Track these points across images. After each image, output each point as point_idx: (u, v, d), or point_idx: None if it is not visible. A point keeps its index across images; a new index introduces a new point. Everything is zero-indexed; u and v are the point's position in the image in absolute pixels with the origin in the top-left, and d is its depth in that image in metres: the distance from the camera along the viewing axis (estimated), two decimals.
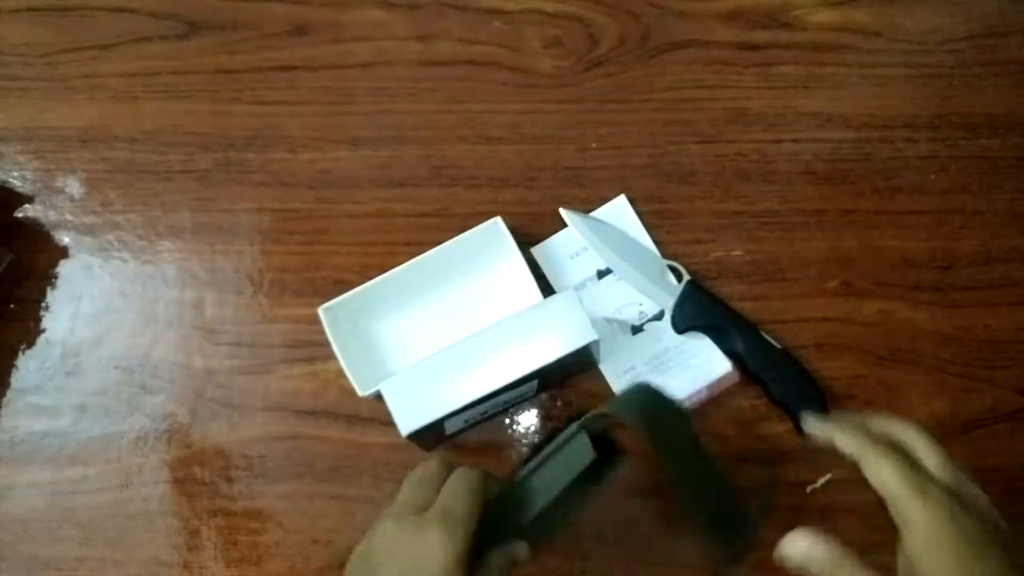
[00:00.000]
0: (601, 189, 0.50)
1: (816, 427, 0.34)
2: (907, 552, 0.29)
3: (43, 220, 0.48)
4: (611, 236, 0.48)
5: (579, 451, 0.36)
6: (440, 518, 0.31)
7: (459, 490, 0.33)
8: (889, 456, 0.31)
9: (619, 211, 0.49)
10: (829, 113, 0.52)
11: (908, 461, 0.31)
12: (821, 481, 0.45)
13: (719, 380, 0.46)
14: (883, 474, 0.30)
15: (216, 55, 0.50)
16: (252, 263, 0.48)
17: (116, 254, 0.48)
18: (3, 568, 0.44)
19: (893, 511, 0.30)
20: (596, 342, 0.41)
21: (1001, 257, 0.50)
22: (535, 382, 0.43)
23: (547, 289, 0.47)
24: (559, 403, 0.46)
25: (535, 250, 0.48)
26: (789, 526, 0.31)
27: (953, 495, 0.30)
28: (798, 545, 0.31)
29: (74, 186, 0.48)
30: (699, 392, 0.45)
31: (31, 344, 0.46)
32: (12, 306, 0.47)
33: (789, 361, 0.45)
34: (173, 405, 0.46)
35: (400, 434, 0.40)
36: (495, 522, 0.33)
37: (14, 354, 0.46)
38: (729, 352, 0.46)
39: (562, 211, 0.48)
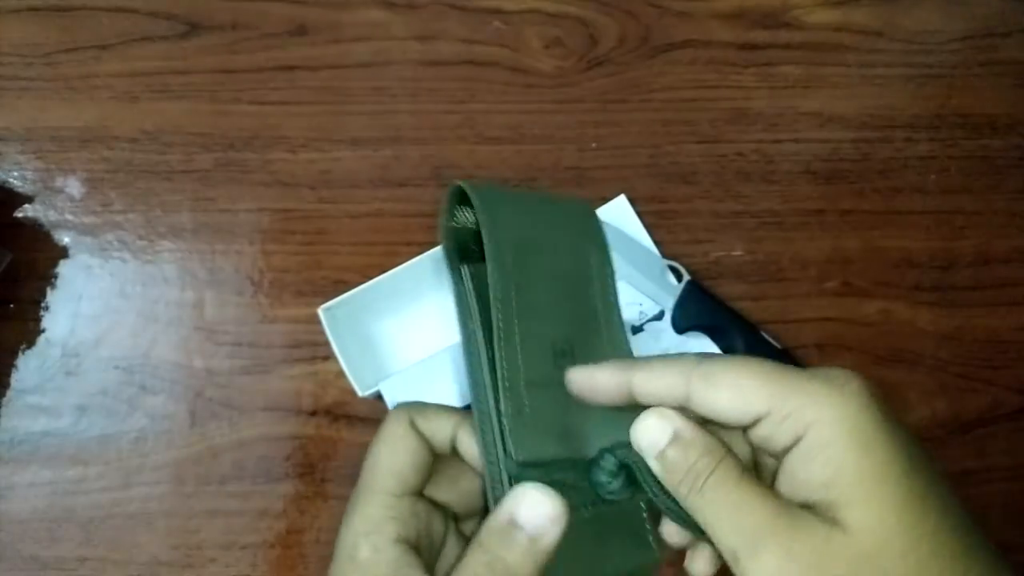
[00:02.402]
0: (601, 189, 0.50)
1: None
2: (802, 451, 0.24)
3: (43, 220, 0.48)
4: (611, 236, 0.48)
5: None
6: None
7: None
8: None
9: (619, 211, 0.49)
10: (829, 113, 0.52)
11: None
12: None
13: None
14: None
15: (216, 55, 0.50)
16: (252, 263, 0.48)
17: (116, 254, 0.48)
18: (3, 568, 0.44)
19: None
20: None
21: (1001, 257, 0.50)
22: None
23: None
24: None
25: None
26: None
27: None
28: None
29: (74, 186, 0.48)
30: None
31: (31, 344, 0.46)
32: (12, 306, 0.47)
33: (789, 361, 0.45)
34: (173, 405, 0.46)
35: None
36: None
37: (14, 354, 0.46)
38: (729, 352, 0.46)
39: None
